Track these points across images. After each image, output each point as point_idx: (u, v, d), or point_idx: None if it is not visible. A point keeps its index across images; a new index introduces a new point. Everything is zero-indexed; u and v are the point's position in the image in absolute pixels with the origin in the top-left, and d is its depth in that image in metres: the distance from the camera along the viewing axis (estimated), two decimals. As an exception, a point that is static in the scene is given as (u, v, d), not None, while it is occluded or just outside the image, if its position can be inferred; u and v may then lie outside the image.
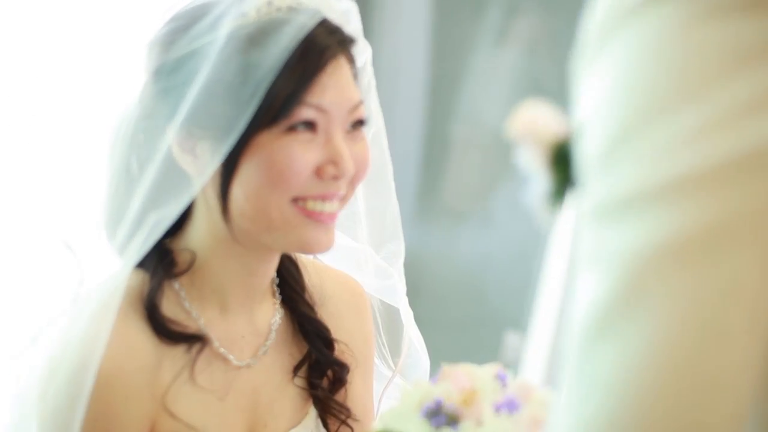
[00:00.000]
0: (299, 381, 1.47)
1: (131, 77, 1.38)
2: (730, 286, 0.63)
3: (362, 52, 1.42)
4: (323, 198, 1.33)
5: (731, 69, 0.66)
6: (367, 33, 1.44)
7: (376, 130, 1.51)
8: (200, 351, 1.37)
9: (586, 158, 0.70)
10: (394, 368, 1.63)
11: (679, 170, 0.64)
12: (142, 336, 1.34)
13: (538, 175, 0.80)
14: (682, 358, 0.63)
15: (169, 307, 1.37)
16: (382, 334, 1.64)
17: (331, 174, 1.32)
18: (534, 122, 0.81)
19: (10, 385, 1.40)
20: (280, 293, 1.48)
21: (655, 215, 0.64)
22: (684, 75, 0.66)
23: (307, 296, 1.50)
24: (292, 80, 1.29)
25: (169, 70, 1.33)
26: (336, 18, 1.36)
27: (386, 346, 1.64)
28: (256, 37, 1.29)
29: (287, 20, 1.30)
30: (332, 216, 1.34)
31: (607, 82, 0.69)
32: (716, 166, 0.64)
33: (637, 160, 0.66)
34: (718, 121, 0.65)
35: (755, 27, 0.66)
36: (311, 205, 1.32)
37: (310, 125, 1.31)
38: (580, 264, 0.68)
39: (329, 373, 1.48)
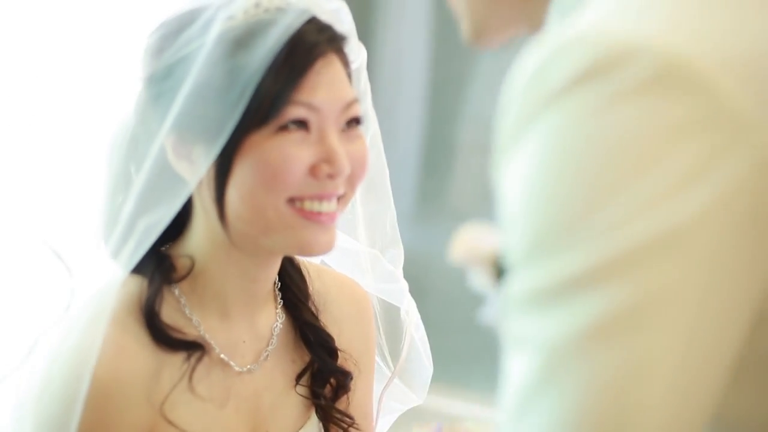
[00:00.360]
0: (301, 389, 1.46)
1: (128, 85, 1.38)
2: (639, 364, 0.68)
3: (357, 54, 1.40)
4: (320, 198, 1.31)
5: (639, 158, 0.69)
6: (369, 34, 1.43)
7: (372, 135, 1.49)
8: (200, 359, 1.36)
9: (509, 254, 0.75)
10: (395, 370, 1.62)
11: (589, 262, 0.69)
12: (140, 344, 1.34)
13: (490, 293, 0.84)
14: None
15: (169, 314, 1.36)
16: (382, 335, 1.62)
17: (326, 172, 1.30)
18: (472, 245, 0.86)
19: (11, 393, 1.39)
20: (282, 297, 1.47)
21: (569, 305, 0.70)
22: (594, 168, 0.70)
23: (310, 304, 1.48)
24: (280, 79, 1.28)
25: (160, 77, 1.32)
26: (326, 18, 1.35)
27: (386, 347, 1.63)
28: (243, 39, 1.28)
29: (274, 21, 1.29)
30: (331, 216, 1.33)
31: (523, 181, 0.73)
32: (624, 253, 0.69)
33: (550, 256, 0.71)
34: (628, 211, 0.69)
35: (655, 109, 0.69)
36: (308, 205, 1.31)
37: (302, 124, 1.30)
38: (509, 346, 0.74)
39: (332, 380, 1.47)
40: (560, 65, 0.72)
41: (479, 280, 0.86)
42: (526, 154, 0.72)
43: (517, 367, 0.72)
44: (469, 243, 0.86)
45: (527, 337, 0.71)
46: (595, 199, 0.69)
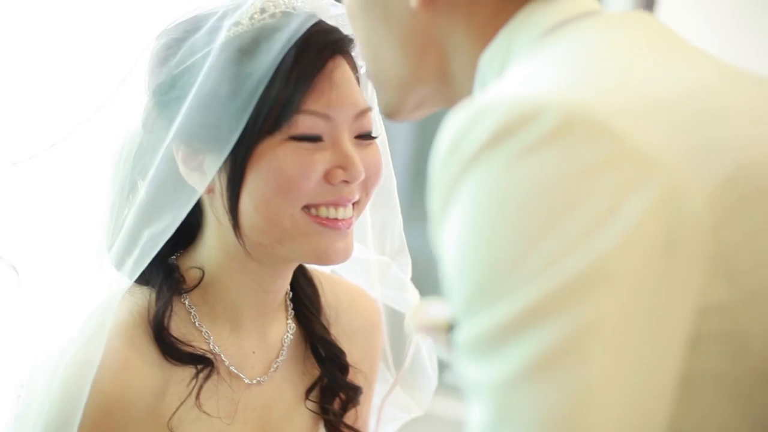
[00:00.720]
0: (310, 403, 1.43)
1: (133, 95, 1.35)
2: (584, 392, 0.73)
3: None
4: (336, 204, 1.29)
5: (555, 203, 0.75)
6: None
7: (380, 141, 1.47)
8: (208, 376, 1.34)
9: (453, 308, 0.79)
10: (396, 378, 1.59)
11: (524, 304, 0.74)
12: (148, 359, 1.31)
13: (451, 358, 0.87)
14: None
15: (178, 325, 1.34)
16: (387, 341, 1.59)
17: (341, 178, 1.28)
18: (425, 317, 0.91)
19: (11, 405, 1.37)
20: (293, 308, 1.44)
21: (511, 346, 0.74)
22: (516, 217, 0.75)
23: (322, 318, 1.45)
24: (290, 84, 1.25)
25: (166, 86, 1.30)
26: (332, 22, 1.33)
27: (390, 354, 1.60)
28: (248, 46, 1.26)
29: (280, 26, 1.27)
30: (347, 222, 1.30)
31: (455, 241, 0.78)
32: (554, 292, 0.73)
33: (488, 304, 0.76)
34: (554, 254, 0.74)
35: (564, 156, 0.75)
36: (324, 212, 1.29)
37: (316, 137, 1.28)
38: (466, 390, 0.78)
39: (341, 394, 1.45)
40: (473, 133, 0.78)
41: (438, 347, 0.91)
42: (454, 217, 0.78)
43: (473, 411, 0.76)
44: (423, 315, 0.91)
45: (478, 383, 0.76)
46: (522, 246, 0.75)
